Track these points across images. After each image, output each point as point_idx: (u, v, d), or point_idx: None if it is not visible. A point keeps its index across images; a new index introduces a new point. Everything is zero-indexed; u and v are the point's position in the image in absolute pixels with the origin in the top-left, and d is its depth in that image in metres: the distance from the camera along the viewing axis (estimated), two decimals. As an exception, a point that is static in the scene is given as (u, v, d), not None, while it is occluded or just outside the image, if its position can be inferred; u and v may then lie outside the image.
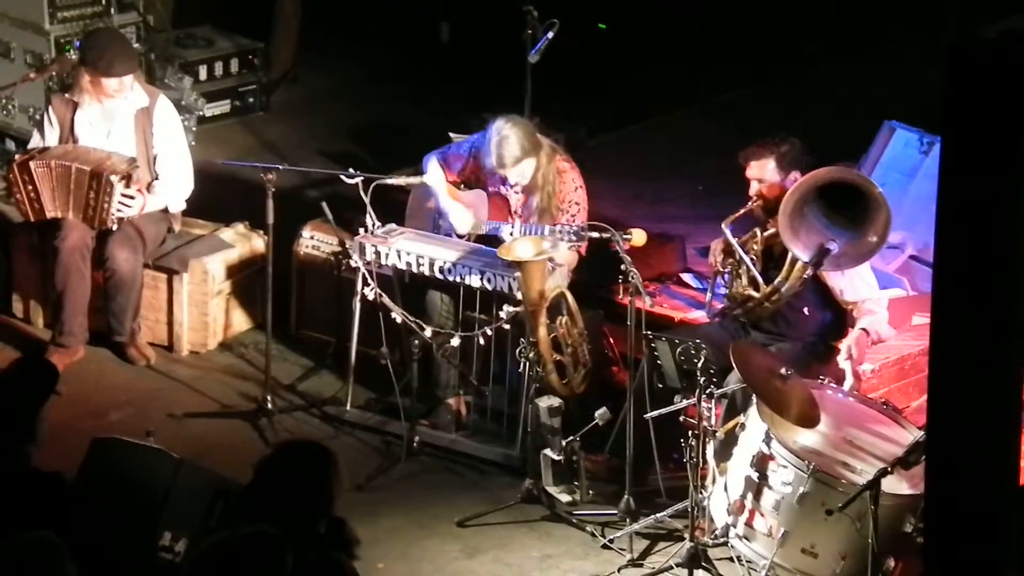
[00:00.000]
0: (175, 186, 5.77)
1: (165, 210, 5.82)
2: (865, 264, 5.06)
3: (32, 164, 5.59)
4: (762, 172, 5.16)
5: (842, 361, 4.93)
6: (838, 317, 5.19)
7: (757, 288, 5.12)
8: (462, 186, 5.69)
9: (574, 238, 5.14)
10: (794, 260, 4.99)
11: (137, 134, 5.73)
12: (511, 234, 5.40)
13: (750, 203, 5.17)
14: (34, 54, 6.92)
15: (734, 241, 5.13)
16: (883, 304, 5.13)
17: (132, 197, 5.63)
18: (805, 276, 4.96)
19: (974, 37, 2.96)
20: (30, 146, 5.84)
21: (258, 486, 3.62)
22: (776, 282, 5.07)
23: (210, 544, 3.39)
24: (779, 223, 4.89)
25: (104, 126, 5.72)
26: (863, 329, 5.04)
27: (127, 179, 5.61)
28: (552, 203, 5.41)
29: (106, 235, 5.66)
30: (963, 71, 2.96)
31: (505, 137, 5.35)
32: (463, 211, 5.56)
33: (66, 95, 5.74)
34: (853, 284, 5.09)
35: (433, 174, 5.63)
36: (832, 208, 4.89)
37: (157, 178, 5.74)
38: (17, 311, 6.04)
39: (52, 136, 5.75)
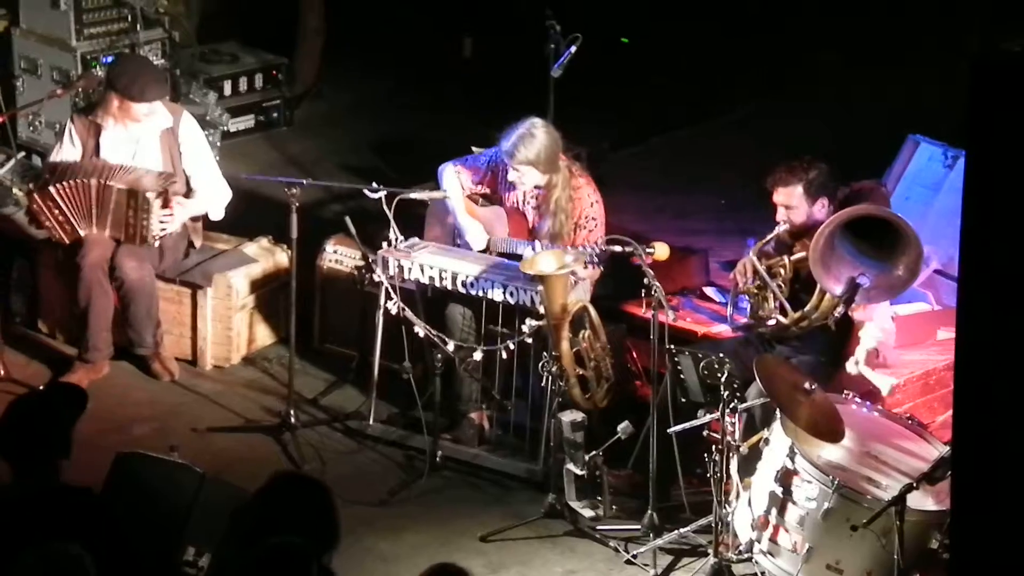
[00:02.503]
0: (213, 196, 5.80)
1: (194, 219, 5.82)
2: None
3: (52, 188, 5.60)
4: (789, 199, 5.11)
5: (851, 366, 4.88)
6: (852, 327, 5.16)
7: (785, 313, 5.09)
8: (480, 201, 5.70)
9: (596, 260, 5.14)
10: (824, 290, 4.96)
11: (164, 154, 5.75)
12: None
13: (777, 228, 5.13)
14: (61, 70, 6.97)
15: (762, 268, 5.10)
16: (889, 327, 5.08)
17: (171, 214, 5.66)
18: (836, 313, 4.90)
19: (998, 49, 2.94)
20: (49, 159, 5.85)
21: (253, 519, 3.56)
22: (806, 310, 5.04)
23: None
24: (810, 260, 4.85)
25: (129, 148, 5.74)
26: (872, 348, 5.00)
27: (163, 195, 5.63)
28: (564, 229, 5.40)
29: (116, 246, 5.67)
30: (987, 84, 2.94)
31: (532, 136, 5.33)
32: (480, 229, 5.56)
33: (89, 116, 5.76)
34: (868, 313, 5.05)
35: (450, 184, 5.62)
36: (862, 239, 4.85)
37: (191, 191, 5.76)
38: (42, 327, 6.08)
39: (73, 156, 5.76)
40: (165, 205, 5.64)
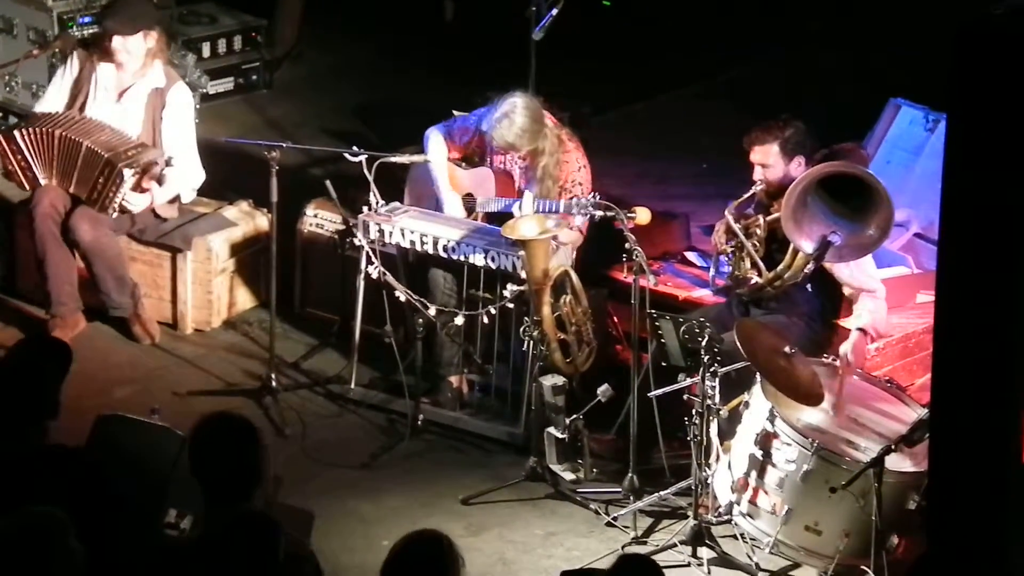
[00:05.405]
0: (186, 175, 5.74)
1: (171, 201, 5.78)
2: None
3: (17, 134, 5.57)
4: (766, 157, 5.13)
5: (840, 367, 4.90)
6: (841, 295, 5.18)
7: (760, 272, 5.12)
8: (463, 164, 5.69)
9: (588, 211, 5.13)
10: (798, 249, 4.98)
11: (147, 111, 5.71)
12: (521, 210, 5.38)
13: (754, 187, 5.15)
14: (37, 31, 6.89)
15: (737, 227, 5.12)
16: (880, 293, 5.10)
17: (142, 193, 5.60)
18: (807, 270, 4.94)
19: (982, 14, 2.94)
20: (45, 95, 5.83)
21: (197, 463, 3.60)
22: (779, 269, 5.07)
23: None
24: (782, 216, 4.88)
25: (116, 93, 5.71)
26: (861, 331, 5.01)
27: (140, 177, 5.59)
28: (551, 194, 5.41)
29: (74, 206, 5.60)
30: (970, 49, 2.94)
31: (510, 119, 5.33)
32: (459, 204, 5.56)
33: (89, 50, 5.73)
34: (852, 272, 5.07)
35: (435, 150, 5.62)
36: (835, 198, 4.87)
37: (169, 163, 5.72)
38: (21, 289, 6.03)
39: (64, 86, 5.73)
40: (137, 186, 5.59)
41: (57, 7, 6.87)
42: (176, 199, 5.78)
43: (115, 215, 5.61)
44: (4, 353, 4.12)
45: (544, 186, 5.41)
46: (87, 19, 6.84)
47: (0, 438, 3.82)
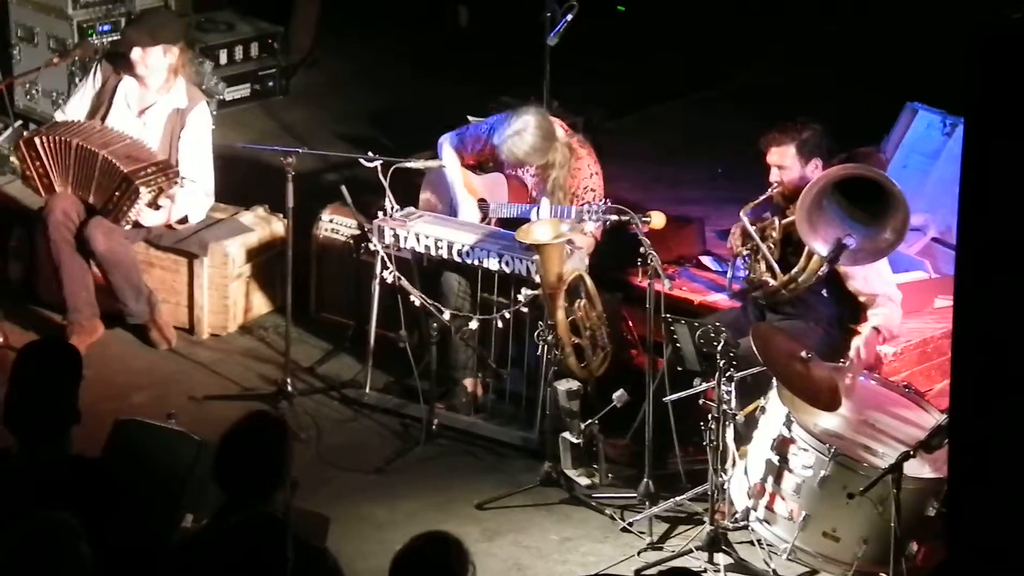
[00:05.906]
0: (196, 198, 5.76)
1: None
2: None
3: (38, 140, 5.61)
4: (782, 159, 5.11)
5: (852, 360, 4.89)
6: (859, 301, 5.16)
7: (775, 275, 5.11)
8: (477, 170, 5.70)
9: (599, 218, 5.14)
10: (812, 252, 4.97)
11: (165, 131, 5.73)
12: (538, 216, 5.39)
13: (770, 189, 5.13)
14: (57, 39, 6.93)
15: (752, 229, 5.11)
16: (896, 299, 5.08)
17: (156, 209, 5.62)
18: (821, 273, 4.93)
19: (998, 17, 2.93)
20: (67, 103, 5.88)
21: (223, 458, 3.61)
22: (793, 272, 5.06)
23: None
24: (797, 217, 4.87)
25: (138, 110, 5.73)
26: (875, 328, 5.00)
27: (156, 195, 5.60)
28: (564, 202, 5.42)
29: (88, 216, 5.64)
30: (987, 53, 2.93)
31: (521, 137, 5.34)
32: (474, 208, 5.56)
33: (115, 65, 5.76)
34: (867, 276, 5.05)
35: (449, 156, 5.63)
36: (851, 201, 4.86)
37: (181, 184, 5.72)
38: (41, 295, 6.05)
39: (86, 97, 5.76)
40: (153, 203, 5.61)
41: (77, 16, 6.91)
42: (184, 219, 5.80)
43: (128, 226, 5.64)
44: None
45: (555, 198, 5.44)
46: (107, 28, 6.88)
47: (25, 446, 3.80)
